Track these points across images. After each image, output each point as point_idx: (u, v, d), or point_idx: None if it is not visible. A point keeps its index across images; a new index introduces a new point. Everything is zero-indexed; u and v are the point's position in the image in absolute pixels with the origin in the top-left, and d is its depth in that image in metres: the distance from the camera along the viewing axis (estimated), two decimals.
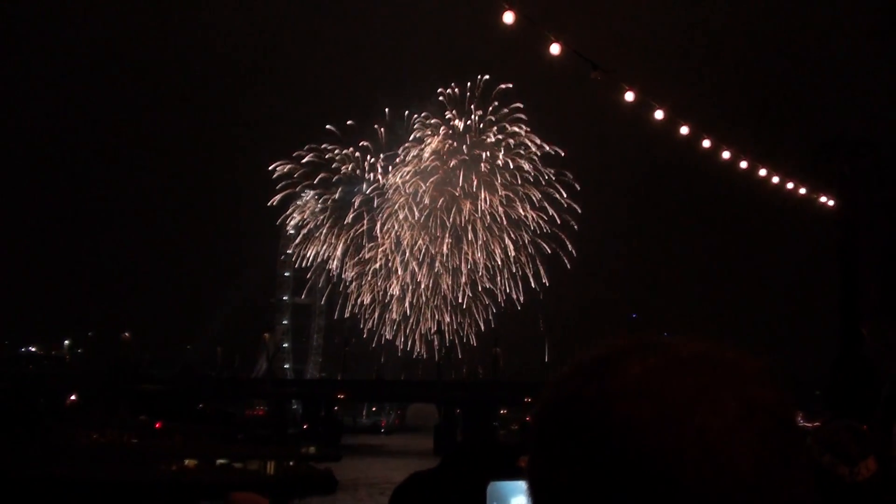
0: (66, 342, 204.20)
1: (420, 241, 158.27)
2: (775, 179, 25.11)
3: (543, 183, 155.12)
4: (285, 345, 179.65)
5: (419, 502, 3.04)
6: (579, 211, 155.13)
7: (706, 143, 22.15)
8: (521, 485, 2.97)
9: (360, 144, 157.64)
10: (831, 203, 25.07)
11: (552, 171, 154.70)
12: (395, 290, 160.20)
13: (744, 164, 23.87)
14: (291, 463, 62.68)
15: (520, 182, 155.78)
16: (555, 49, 16.83)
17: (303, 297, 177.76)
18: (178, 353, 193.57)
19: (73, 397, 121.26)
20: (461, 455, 3.17)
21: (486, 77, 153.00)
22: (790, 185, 25.62)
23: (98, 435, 58.67)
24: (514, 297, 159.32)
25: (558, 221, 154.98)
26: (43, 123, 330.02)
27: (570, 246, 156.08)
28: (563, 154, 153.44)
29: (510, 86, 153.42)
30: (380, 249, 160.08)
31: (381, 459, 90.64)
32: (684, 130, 21.13)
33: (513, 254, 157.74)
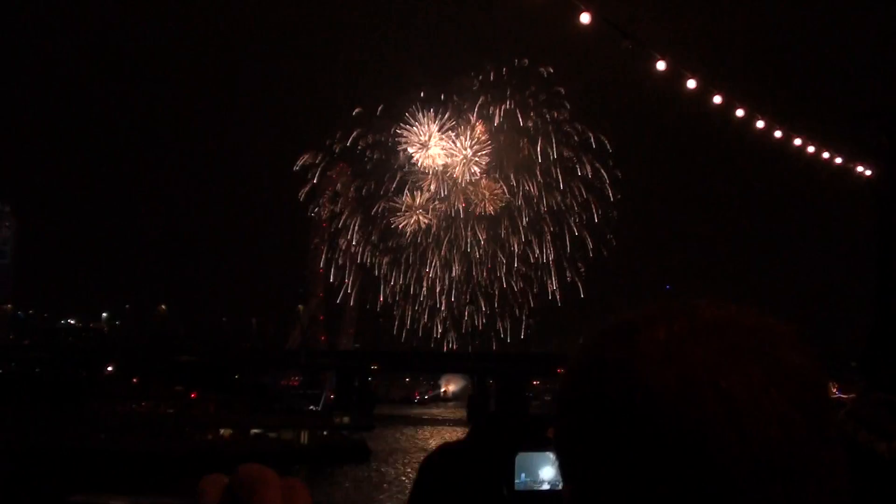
0: (105, 315, 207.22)
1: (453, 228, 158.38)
2: (811, 149, 24.79)
3: (579, 165, 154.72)
4: (319, 316, 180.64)
5: (448, 473, 3.07)
6: (608, 185, 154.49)
7: (740, 113, 21.90)
8: (550, 455, 3.02)
9: (393, 131, 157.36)
10: (868, 173, 24.74)
11: (589, 157, 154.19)
12: (429, 269, 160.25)
13: (778, 134, 23.58)
14: (325, 432, 63.29)
15: (555, 163, 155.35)
16: (585, 18, 16.68)
17: (337, 268, 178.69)
18: (214, 325, 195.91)
19: (109, 368, 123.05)
20: (489, 426, 3.20)
21: (525, 61, 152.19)
22: (826, 155, 25.28)
23: (135, 405, 59.53)
24: (550, 286, 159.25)
25: (592, 204, 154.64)
26: (87, 109, 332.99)
27: (605, 223, 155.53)
28: (606, 143, 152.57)
29: (550, 70, 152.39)
30: (410, 228, 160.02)
31: (413, 429, 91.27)
32: (717, 100, 20.91)
33: (550, 233, 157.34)
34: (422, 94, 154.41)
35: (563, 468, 0.94)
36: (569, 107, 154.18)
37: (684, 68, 19.60)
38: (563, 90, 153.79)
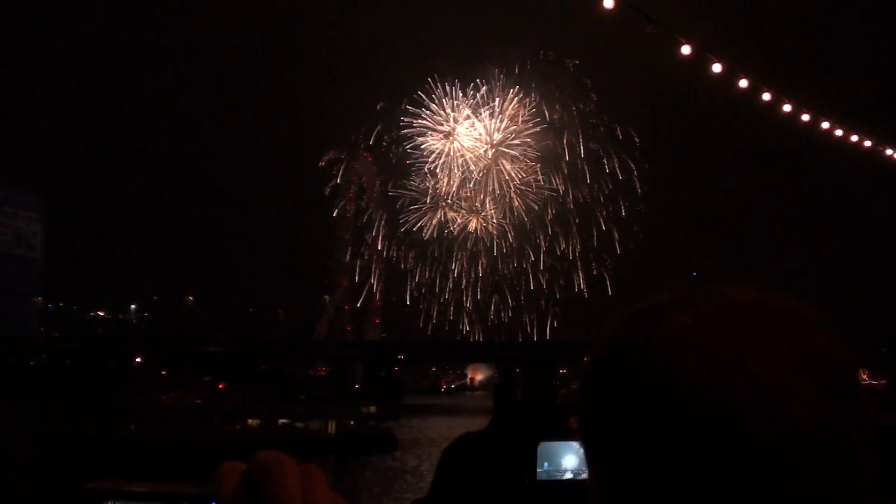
0: (133, 306, 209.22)
1: (475, 221, 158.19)
2: (839, 132, 24.46)
3: (606, 158, 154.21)
4: (345, 306, 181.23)
5: (470, 462, 3.03)
6: (633, 173, 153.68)
7: (766, 97, 21.62)
8: (572, 445, 2.97)
9: (415, 124, 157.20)
10: None
11: (616, 149, 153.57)
12: (456, 260, 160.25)
13: (806, 118, 23.28)
14: (352, 422, 63.54)
15: (581, 156, 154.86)
16: (608, 2, 16.52)
17: (363, 258, 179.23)
18: (241, 316, 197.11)
19: (138, 360, 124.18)
20: (512, 415, 3.16)
21: (551, 54, 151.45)
22: (854, 139, 24.95)
23: (163, 396, 60.04)
24: (577, 280, 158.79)
25: (617, 192, 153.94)
26: (116, 102, 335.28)
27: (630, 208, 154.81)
28: (634, 136, 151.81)
29: (577, 62, 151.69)
30: (435, 221, 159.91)
31: (440, 419, 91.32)
32: (743, 83, 20.65)
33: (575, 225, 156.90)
34: (447, 84, 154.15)
35: (588, 455, 0.93)
36: (595, 98, 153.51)
37: (710, 52, 19.37)
38: (588, 81, 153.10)
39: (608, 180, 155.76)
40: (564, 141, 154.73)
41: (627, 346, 0.90)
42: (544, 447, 2.45)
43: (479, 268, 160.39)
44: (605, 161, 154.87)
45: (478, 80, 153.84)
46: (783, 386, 0.82)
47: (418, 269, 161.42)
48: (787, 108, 22.46)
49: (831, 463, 0.82)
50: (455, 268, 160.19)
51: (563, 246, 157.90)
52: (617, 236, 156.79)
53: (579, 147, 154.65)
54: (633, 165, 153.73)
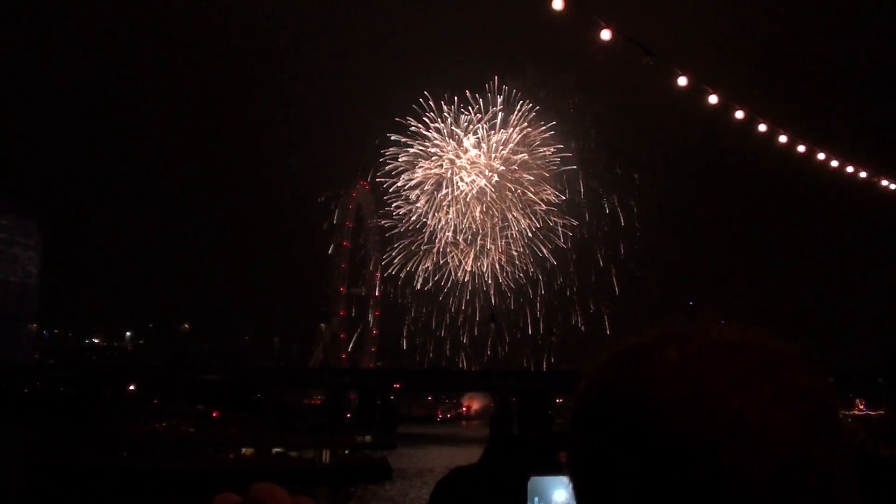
0: (128, 333, 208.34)
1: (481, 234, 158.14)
2: (834, 163, 24.56)
3: (606, 201, 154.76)
4: (341, 335, 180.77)
5: (461, 497, 3.00)
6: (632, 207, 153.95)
7: (762, 128, 21.71)
8: (562, 479, 2.92)
9: (412, 154, 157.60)
10: (894, 187, 24.48)
11: (614, 190, 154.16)
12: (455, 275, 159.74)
13: (801, 148, 23.37)
14: (347, 451, 63.16)
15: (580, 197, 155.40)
16: (605, 35, 16.62)
17: (358, 287, 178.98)
18: (236, 344, 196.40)
19: (131, 387, 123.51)
20: (502, 449, 3.13)
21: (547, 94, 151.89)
22: (850, 169, 25.04)
23: (156, 424, 59.61)
24: (574, 317, 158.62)
25: (619, 221, 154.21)
26: (113, 129, 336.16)
27: (622, 244, 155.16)
28: (636, 178, 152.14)
29: (575, 99, 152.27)
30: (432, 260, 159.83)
31: (436, 448, 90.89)
32: (740, 115, 20.75)
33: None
34: (447, 114, 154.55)
35: (577, 490, 0.95)
36: (594, 133, 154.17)
37: (706, 84, 19.47)
38: (588, 116, 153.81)
39: (607, 220, 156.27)
40: (564, 178, 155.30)
41: (613, 383, 0.92)
42: (535, 482, 2.41)
43: (476, 303, 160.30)
44: (604, 200, 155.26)
45: (477, 112, 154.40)
46: (765, 422, 0.84)
47: (414, 305, 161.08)
48: (783, 138, 22.56)
49: (813, 498, 0.83)
50: (451, 304, 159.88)
51: (560, 281, 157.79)
52: (614, 271, 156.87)
53: (579, 185, 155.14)
54: (633, 204, 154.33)
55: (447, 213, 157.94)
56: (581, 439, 0.94)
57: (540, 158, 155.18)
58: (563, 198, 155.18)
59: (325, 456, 60.55)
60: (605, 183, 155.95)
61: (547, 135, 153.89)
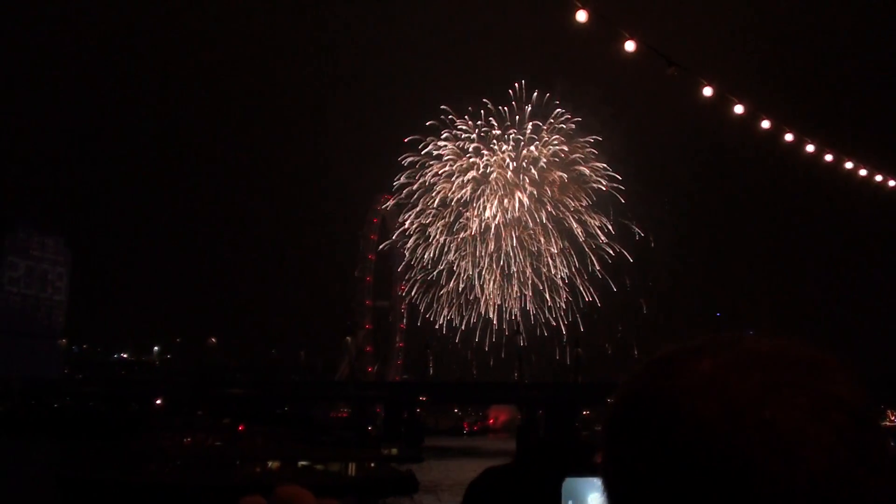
0: (156, 348, 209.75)
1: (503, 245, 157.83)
2: (863, 172, 24.38)
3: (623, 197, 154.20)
4: (367, 348, 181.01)
5: (494, 498, 3.01)
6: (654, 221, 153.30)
7: (789, 137, 21.61)
8: (597, 481, 2.94)
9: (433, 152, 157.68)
10: None
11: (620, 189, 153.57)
12: (478, 290, 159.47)
13: (829, 158, 23.22)
14: (373, 464, 63.16)
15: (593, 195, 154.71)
16: (629, 46, 16.62)
17: (384, 300, 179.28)
18: (263, 358, 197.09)
19: (158, 402, 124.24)
20: (537, 451, 3.13)
21: (568, 116, 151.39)
22: (879, 178, 24.84)
23: (182, 438, 59.87)
24: (596, 297, 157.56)
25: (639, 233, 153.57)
26: (141, 144, 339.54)
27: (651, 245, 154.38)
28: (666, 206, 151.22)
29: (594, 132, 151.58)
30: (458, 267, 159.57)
31: (463, 461, 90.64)
32: (766, 125, 20.66)
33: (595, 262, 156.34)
34: (470, 125, 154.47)
35: (610, 498, 0.95)
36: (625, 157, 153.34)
37: (731, 94, 19.41)
38: (600, 139, 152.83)
39: (634, 242, 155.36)
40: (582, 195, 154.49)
41: (646, 393, 0.91)
42: (569, 483, 2.43)
43: (501, 310, 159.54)
44: (633, 222, 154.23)
45: (503, 127, 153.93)
46: (798, 434, 0.82)
47: (442, 315, 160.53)
48: (809, 148, 22.42)
49: None
50: (476, 336, 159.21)
51: (587, 299, 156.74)
52: (644, 306, 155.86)
53: (593, 226, 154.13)
54: (663, 218, 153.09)
55: (471, 241, 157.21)
56: (612, 449, 0.94)
57: (578, 179, 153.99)
58: (607, 222, 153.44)
59: (351, 469, 60.53)
60: (633, 204, 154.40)
61: (585, 150, 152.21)
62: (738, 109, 19.51)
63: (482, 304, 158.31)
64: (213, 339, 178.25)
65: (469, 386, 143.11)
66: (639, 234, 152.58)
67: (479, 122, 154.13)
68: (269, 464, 57.54)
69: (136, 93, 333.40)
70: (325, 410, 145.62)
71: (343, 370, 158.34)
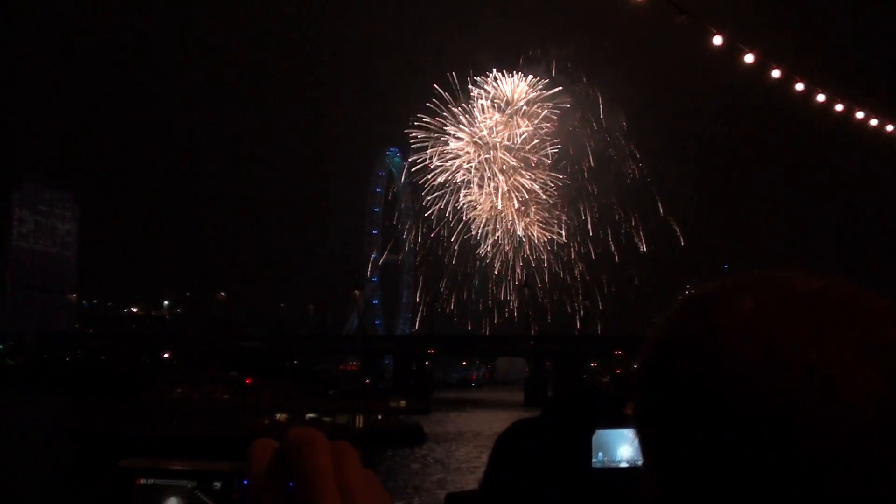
0: (166, 303, 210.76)
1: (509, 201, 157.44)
2: (874, 122, 24.13)
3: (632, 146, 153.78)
4: (375, 301, 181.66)
5: (523, 450, 3.00)
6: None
7: (799, 87, 21.35)
8: (627, 433, 2.92)
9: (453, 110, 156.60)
10: None
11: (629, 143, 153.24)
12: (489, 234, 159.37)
13: (839, 107, 22.96)
14: (380, 416, 63.66)
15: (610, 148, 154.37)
16: None
17: (392, 254, 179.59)
18: (272, 312, 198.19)
19: (167, 355, 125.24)
20: (565, 403, 3.10)
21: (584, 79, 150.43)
22: (890, 128, 24.59)
23: (191, 391, 60.34)
24: (612, 249, 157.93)
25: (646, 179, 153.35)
26: (148, 99, 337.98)
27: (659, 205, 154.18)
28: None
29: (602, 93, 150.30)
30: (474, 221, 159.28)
31: (470, 413, 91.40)
32: (776, 74, 20.41)
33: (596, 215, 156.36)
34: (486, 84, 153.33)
35: (643, 443, 0.92)
36: (625, 127, 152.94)
37: (742, 43, 19.17)
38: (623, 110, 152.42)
39: (636, 188, 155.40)
40: (591, 145, 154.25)
41: (684, 334, 0.88)
42: (599, 435, 2.40)
43: (511, 264, 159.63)
44: (632, 166, 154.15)
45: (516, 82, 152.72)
46: (844, 377, 0.80)
47: (449, 266, 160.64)
48: (820, 97, 22.17)
49: (892, 458, 0.79)
50: (486, 265, 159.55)
51: (598, 249, 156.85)
52: (644, 248, 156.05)
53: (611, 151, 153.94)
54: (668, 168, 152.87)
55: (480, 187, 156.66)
56: (647, 393, 0.90)
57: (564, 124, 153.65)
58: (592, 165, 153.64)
59: (359, 421, 61.04)
60: (641, 147, 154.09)
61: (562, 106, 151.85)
62: (749, 59, 19.28)
63: (493, 252, 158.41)
64: (223, 294, 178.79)
65: (477, 339, 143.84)
66: (640, 172, 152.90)
67: (489, 82, 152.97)
68: (277, 416, 58.05)
69: (145, 43, 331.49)
70: (334, 364, 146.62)
71: (352, 323, 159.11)
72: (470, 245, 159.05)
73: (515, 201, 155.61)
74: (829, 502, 0.78)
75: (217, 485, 0.78)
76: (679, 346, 0.87)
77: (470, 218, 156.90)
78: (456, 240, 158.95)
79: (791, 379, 0.80)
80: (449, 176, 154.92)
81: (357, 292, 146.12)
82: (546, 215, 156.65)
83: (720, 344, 0.84)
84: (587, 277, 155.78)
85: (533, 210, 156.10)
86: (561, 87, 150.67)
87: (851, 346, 0.81)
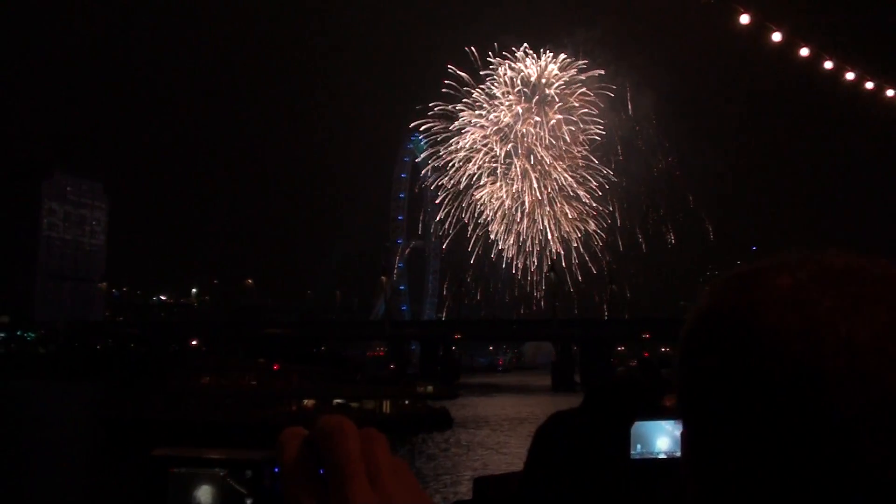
0: (194, 290, 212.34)
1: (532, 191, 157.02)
2: None
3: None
4: (402, 287, 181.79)
5: (562, 442, 2.95)
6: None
7: (828, 65, 21.01)
8: (665, 425, 2.84)
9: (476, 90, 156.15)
10: None
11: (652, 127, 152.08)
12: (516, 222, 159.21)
13: (870, 85, 22.59)
14: (407, 402, 63.73)
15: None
16: None
17: (418, 240, 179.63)
18: (299, 298, 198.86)
19: (194, 342, 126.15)
20: (604, 394, 3.05)
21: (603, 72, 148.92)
22: None
23: (219, 378, 60.65)
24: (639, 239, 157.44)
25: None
26: (178, 89, 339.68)
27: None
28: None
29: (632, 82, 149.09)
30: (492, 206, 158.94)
31: (497, 397, 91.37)
32: (804, 52, 20.09)
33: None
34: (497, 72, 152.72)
35: (683, 412, 0.95)
36: (654, 119, 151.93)
37: (769, 21, 18.87)
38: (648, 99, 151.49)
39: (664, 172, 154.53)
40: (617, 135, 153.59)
41: (724, 307, 0.91)
42: (637, 427, 2.33)
43: (539, 247, 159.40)
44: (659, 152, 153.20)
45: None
46: (876, 352, 0.82)
47: (476, 250, 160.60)
48: (850, 75, 21.82)
49: None
50: (512, 249, 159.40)
51: (625, 227, 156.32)
52: (672, 238, 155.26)
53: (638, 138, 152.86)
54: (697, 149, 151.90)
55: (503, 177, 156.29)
56: (689, 364, 0.93)
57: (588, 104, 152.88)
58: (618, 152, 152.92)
59: (386, 407, 61.15)
60: (665, 132, 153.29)
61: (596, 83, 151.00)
62: (776, 37, 18.99)
63: (522, 238, 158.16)
64: (250, 281, 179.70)
65: (503, 323, 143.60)
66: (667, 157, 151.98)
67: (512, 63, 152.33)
68: (304, 402, 58.26)
69: (172, 33, 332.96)
70: (361, 350, 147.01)
71: (378, 309, 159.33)
72: (492, 239, 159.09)
73: (541, 192, 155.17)
74: (857, 467, 0.80)
75: (248, 473, 0.81)
76: (721, 318, 0.90)
77: (493, 208, 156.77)
78: (481, 230, 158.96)
79: (825, 349, 0.82)
80: (472, 166, 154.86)
81: (384, 278, 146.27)
82: (575, 205, 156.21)
83: (760, 316, 0.87)
84: (615, 266, 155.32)
85: (562, 201, 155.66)
86: (602, 71, 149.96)
87: (883, 321, 0.83)
